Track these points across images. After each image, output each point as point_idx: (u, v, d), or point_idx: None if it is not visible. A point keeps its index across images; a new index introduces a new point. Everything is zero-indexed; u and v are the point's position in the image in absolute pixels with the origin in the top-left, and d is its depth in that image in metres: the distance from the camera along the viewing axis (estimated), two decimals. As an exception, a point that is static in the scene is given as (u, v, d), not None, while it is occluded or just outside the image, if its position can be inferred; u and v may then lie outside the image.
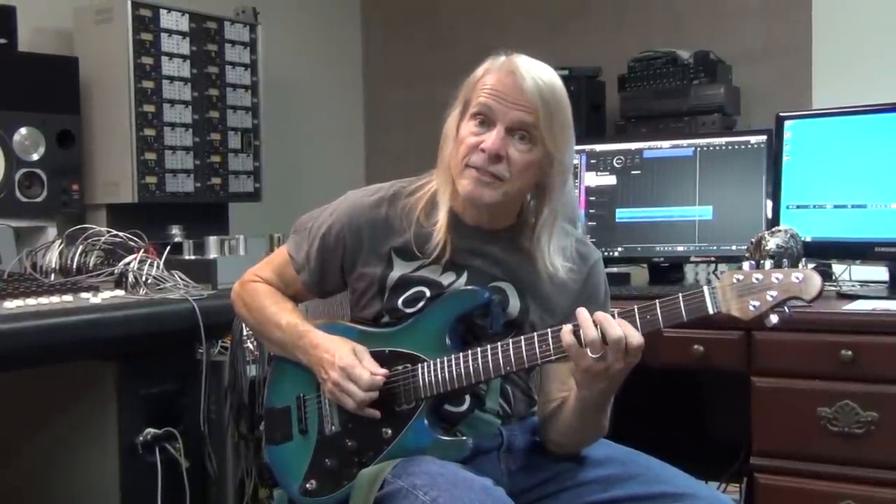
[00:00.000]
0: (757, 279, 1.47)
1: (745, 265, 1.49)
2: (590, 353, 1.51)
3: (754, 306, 1.46)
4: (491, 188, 1.64)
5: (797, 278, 1.45)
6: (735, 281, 1.48)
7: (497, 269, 1.74)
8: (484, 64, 1.69)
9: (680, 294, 1.51)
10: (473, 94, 1.66)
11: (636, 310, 1.52)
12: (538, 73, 1.64)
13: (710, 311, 1.49)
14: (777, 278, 1.46)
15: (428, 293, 1.71)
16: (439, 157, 1.72)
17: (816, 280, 1.45)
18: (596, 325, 1.51)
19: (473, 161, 1.63)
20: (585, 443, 1.71)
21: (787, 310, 1.46)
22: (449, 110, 1.72)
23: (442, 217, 1.70)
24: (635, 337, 1.51)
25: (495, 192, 1.64)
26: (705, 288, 1.50)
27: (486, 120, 1.64)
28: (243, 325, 2.35)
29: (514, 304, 1.73)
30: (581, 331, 1.52)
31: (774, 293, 1.45)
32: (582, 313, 1.54)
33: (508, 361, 1.60)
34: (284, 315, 1.79)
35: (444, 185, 1.71)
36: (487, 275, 1.73)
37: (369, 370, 1.65)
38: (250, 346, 2.50)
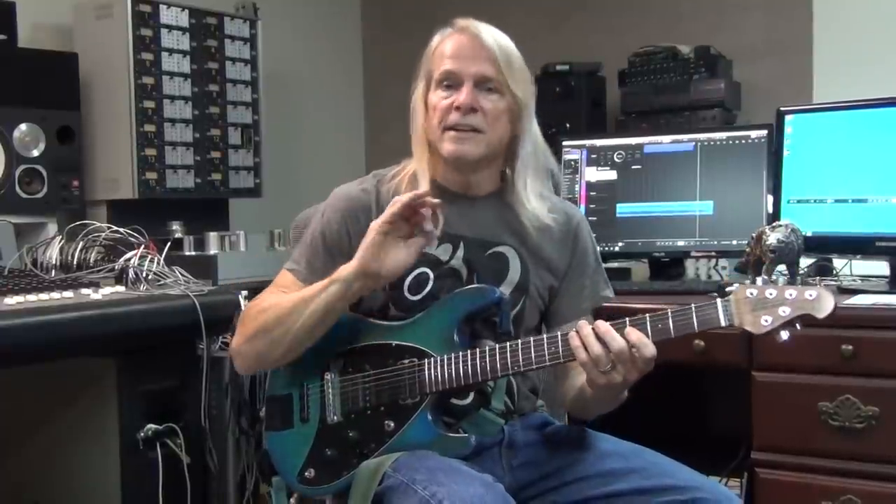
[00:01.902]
0: (770, 294, 1.47)
1: (759, 280, 1.50)
2: (598, 369, 1.52)
3: (766, 321, 1.47)
4: (472, 143, 1.70)
5: (810, 296, 1.46)
6: (749, 295, 1.48)
7: (491, 233, 1.76)
8: (435, 37, 1.77)
9: (693, 305, 1.51)
10: (433, 64, 1.74)
11: (648, 318, 1.53)
12: (490, 28, 1.73)
13: (723, 324, 1.50)
14: (790, 294, 1.46)
15: (431, 273, 1.73)
16: (412, 132, 1.78)
17: (829, 299, 1.45)
18: (599, 339, 1.52)
19: (450, 121, 1.69)
20: (605, 412, 1.74)
21: (798, 327, 1.47)
22: (413, 86, 1.78)
23: (423, 187, 1.73)
24: (648, 347, 1.51)
25: (478, 146, 1.70)
26: (718, 301, 1.50)
27: (452, 82, 1.70)
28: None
29: (516, 267, 1.75)
30: (587, 347, 1.53)
31: (787, 309, 1.46)
32: (584, 328, 1.54)
33: (516, 362, 1.60)
34: (303, 291, 1.72)
35: (422, 158, 1.76)
36: (483, 243, 1.75)
37: None
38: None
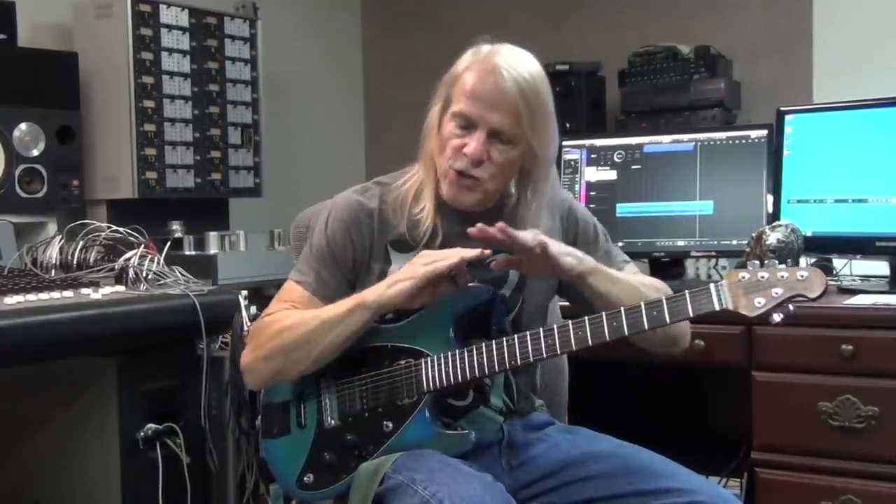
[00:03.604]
0: (762, 277, 1.48)
1: (750, 265, 1.50)
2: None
3: (759, 303, 1.47)
4: (471, 192, 1.68)
5: (801, 276, 1.46)
6: (741, 278, 1.49)
7: (490, 245, 1.74)
8: (466, 56, 1.69)
9: (686, 291, 1.51)
10: (454, 92, 1.67)
11: (642, 305, 1.53)
12: (518, 70, 1.63)
13: (717, 308, 1.50)
14: (782, 276, 1.47)
15: None
16: (422, 149, 1.74)
17: (821, 278, 1.46)
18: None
19: (457, 165, 1.66)
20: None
21: (791, 307, 1.47)
22: (431, 102, 1.73)
23: (428, 204, 1.72)
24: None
25: (475, 194, 1.68)
26: (711, 285, 1.50)
27: (467, 124, 1.65)
28: (244, 324, 2.34)
29: (514, 272, 1.74)
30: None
31: (779, 290, 1.46)
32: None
33: (513, 357, 1.60)
34: (322, 313, 1.69)
35: (429, 175, 1.73)
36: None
37: None
38: (251, 341, 2.50)
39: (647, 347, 1.73)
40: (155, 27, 3.03)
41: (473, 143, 1.63)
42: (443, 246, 1.72)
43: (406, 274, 1.60)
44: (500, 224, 1.56)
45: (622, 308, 1.54)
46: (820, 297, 1.46)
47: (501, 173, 1.67)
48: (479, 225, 1.57)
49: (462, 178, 1.66)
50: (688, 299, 1.51)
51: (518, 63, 1.64)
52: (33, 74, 2.82)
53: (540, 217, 1.71)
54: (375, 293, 1.62)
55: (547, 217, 1.73)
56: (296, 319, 1.68)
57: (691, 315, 1.51)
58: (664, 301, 1.52)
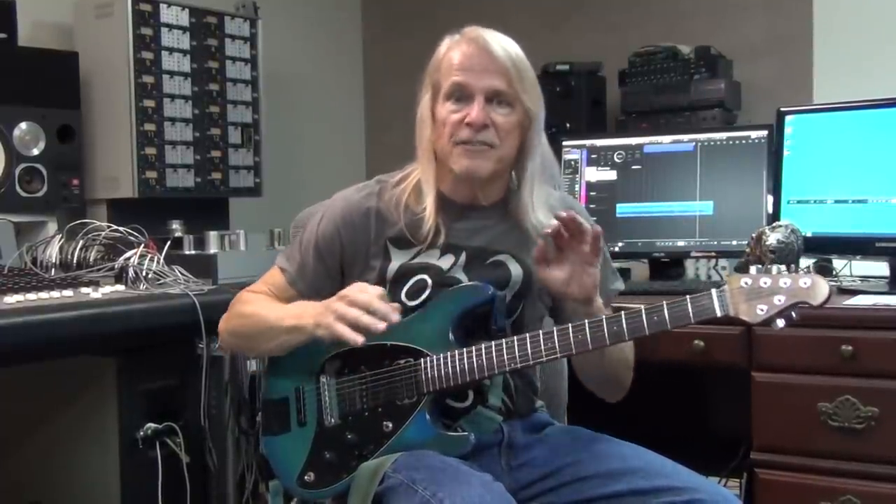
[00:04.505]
0: (765, 283, 1.47)
1: (753, 269, 1.49)
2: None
3: (762, 310, 1.47)
4: (484, 158, 1.68)
5: (805, 283, 1.46)
6: (743, 284, 1.48)
7: (493, 242, 1.75)
8: (443, 43, 1.73)
9: (688, 296, 1.51)
10: (442, 74, 1.70)
11: (643, 310, 1.53)
12: (499, 38, 1.69)
13: (718, 314, 1.49)
14: (785, 283, 1.46)
15: (430, 281, 1.72)
16: (418, 144, 1.75)
17: (824, 286, 1.45)
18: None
19: (461, 136, 1.66)
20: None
21: (793, 315, 1.47)
22: (419, 96, 1.74)
23: (430, 200, 1.72)
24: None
25: (489, 161, 1.68)
26: (713, 291, 1.50)
27: (462, 96, 1.67)
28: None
29: (517, 273, 1.74)
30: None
31: (782, 298, 1.46)
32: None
33: (513, 359, 1.60)
34: (278, 307, 1.77)
35: (428, 170, 1.73)
36: (484, 251, 1.74)
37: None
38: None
39: (593, 387, 1.78)
40: (155, 26, 3.02)
41: (474, 110, 1.65)
42: (447, 244, 1.73)
43: (324, 319, 1.61)
44: (572, 213, 1.60)
45: (622, 312, 1.54)
46: (823, 304, 1.45)
47: (508, 137, 1.68)
48: (566, 213, 1.59)
49: (470, 146, 1.66)
50: (689, 304, 1.50)
51: (496, 33, 1.70)
52: (33, 74, 2.82)
53: (534, 183, 1.73)
54: (313, 321, 1.64)
55: (541, 189, 1.75)
56: (255, 310, 1.78)
57: (692, 320, 1.51)
58: (665, 306, 1.52)
